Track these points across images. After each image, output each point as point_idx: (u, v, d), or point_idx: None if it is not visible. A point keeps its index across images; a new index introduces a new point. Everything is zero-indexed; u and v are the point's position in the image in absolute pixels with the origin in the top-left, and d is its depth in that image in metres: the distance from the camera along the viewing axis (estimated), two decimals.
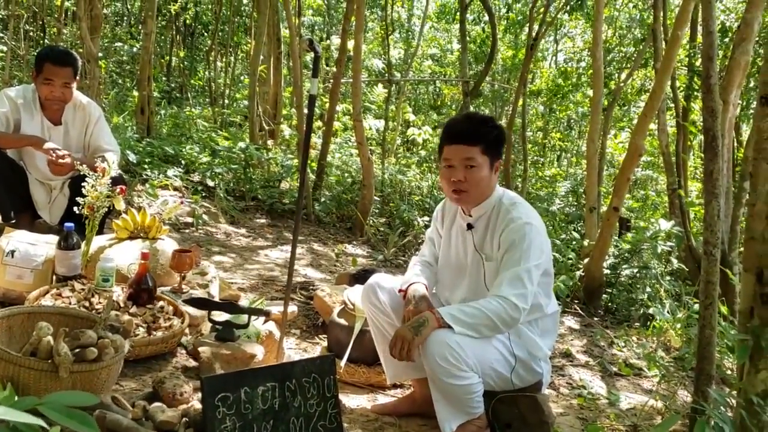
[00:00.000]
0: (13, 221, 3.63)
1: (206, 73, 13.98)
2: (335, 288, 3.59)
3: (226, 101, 12.14)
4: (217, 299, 3.17)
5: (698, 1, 5.12)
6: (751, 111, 8.64)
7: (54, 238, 3.07)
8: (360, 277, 3.71)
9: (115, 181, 3.30)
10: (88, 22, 6.01)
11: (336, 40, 9.73)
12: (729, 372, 3.59)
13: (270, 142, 8.57)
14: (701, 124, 8.59)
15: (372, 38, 14.16)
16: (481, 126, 2.41)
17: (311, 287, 4.16)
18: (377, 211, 7.30)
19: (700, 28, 7.22)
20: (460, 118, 2.52)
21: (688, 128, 6.65)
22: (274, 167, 7.47)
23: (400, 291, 2.55)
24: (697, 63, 6.76)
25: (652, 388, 3.55)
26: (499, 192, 2.49)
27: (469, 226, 2.51)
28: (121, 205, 3.24)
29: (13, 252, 2.94)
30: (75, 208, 3.16)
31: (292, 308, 3.36)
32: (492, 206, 2.46)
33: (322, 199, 7.04)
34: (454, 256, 2.60)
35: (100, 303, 2.73)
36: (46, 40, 10.90)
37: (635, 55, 9.12)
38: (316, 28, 15.00)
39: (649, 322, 4.72)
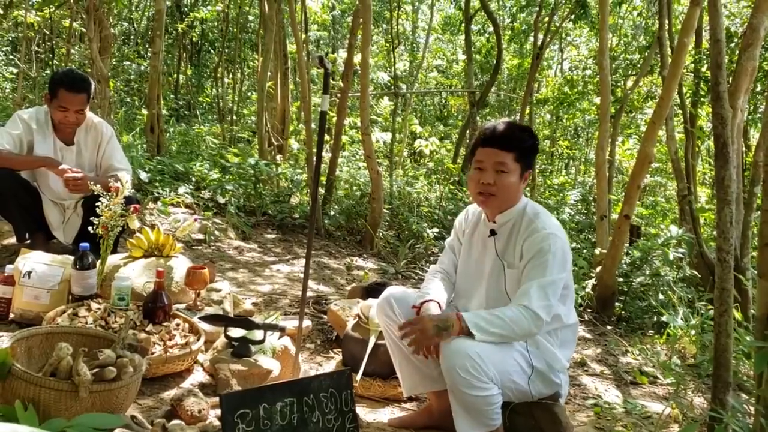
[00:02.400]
0: (28, 242, 3.67)
1: (214, 90, 14.08)
2: (348, 302, 3.60)
3: (234, 117, 12.21)
4: (231, 315, 3.18)
5: (704, 8, 5.14)
6: (759, 115, 8.64)
7: (69, 258, 3.10)
8: (372, 290, 3.71)
9: (129, 200, 3.34)
10: (97, 43, 6.08)
11: (342, 54, 9.78)
12: (746, 379, 3.57)
13: (279, 158, 8.61)
14: (709, 129, 8.58)
15: (377, 51, 14.23)
16: (519, 133, 2.45)
17: (324, 301, 4.17)
18: (386, 223, 7.32)
19: (705, 34, 7.24)
20: (498, 123, 2.53)
21: (696, 134, 6.64)
22: (284, 182, 7.50)
23: (414, 307, 2.56)
24: (704, 69, 6.77)
25: (668, 396, 3.54)
26: (524, 202, 2.52)
27: (492, 233, 2.52)
28: (135, 224, 3.27)
29: (29, 273, 2.98)
30: (89, 228, 3.19)
31: (306, 323, 3.37)
32: (516, 215, 2.48)
33: (332, 213, 7.06)
34: (473, 263, 2.61)
35: (116, 322, 2.76)
36: (55, 61, 11.02)
37: (641, 63, 9.13)
38: (321, 42, 15.10)
39: (662, 330, 4.70)
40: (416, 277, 5.67)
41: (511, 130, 2.45)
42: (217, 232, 5.52)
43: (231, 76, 14.35)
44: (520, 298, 2.29)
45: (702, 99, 6.95)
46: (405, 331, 2.28)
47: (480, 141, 2.47)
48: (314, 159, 6.38)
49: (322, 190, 7.21)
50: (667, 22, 6.47)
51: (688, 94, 6.72)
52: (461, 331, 2.22)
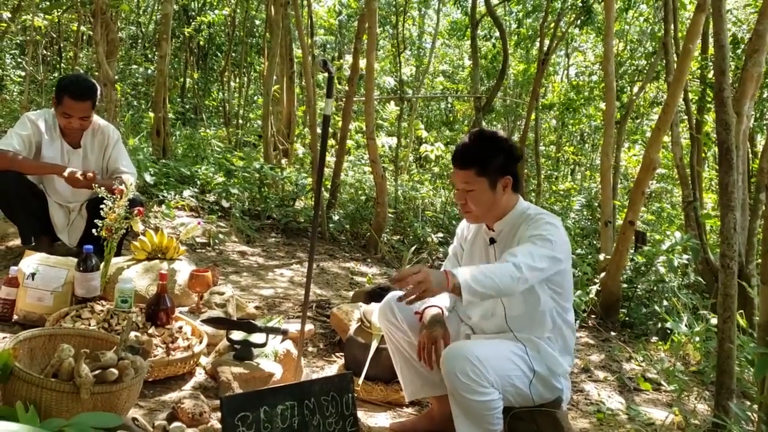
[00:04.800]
0: (33, 244, 3.68)
1: (220, 93, 14.13)
2: (351, 306, 3.60)
3: (240, 121, 12.25)
4: (234, 318, 3.19)
5: (709, 15, 5.13)
6: (765, 122, 8.61)
7: (73, 261, 3.11)
8: (376, 294, 3.70)
9: (133, 202, 3.35)
10: (104, 47, 6.11)
11: (348, 59, 9.81)
12: (749, 386, 3.55)
13: (284, 161, 8.63)
14: (714, 136, 8.56)
15: (383, 56, 14.26)
16: (477, 148, 2.41)
17: (327, 305, 4.17)
18: (391, 228, 7.32)
19: (711, 40, 7.23)
20: (462, 140, 2.51)
21: (701, 140, 6.63)
22: (289, 186, 7.52)
23: (416, 314, 2.55)
24: (709, 75, 6.76)
25: (671, 402, 3.52)
26: (523, 206, 2.48)
27: (492, 241, 2.51)
28: (139, 226, 3.28)
29: (33, 274, 2.99)
30: (93, 230, 3.20)
31: (309, 326, 3.37)
32: (515, 219, 2.45)
33: (336, 217, 7.07)
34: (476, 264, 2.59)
35: (119, 324, 2.76)
36: (62, 65, 11.08)
37: (647, 68, 9.12)
38: (327, 47, 15.14)
39: (666, 336, 4.69)
40: None
41: (469, 146, 2.43)
42: (221, 236, 5.53)
43: (237, 80, 14.40)
44: (506, 256, 2.22)
45: (708, 105, 6.93)
46: (404, 277, 2.08)
47: (452, 160, 2.49)
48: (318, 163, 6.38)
49: (326, 194, 7.21)
50: (672, 27, 6.47)
51: (694, 101, 6.71)
52: (451, 286, 2.09)
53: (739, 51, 7.17)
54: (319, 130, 7.61)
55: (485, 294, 2.13)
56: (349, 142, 9.35)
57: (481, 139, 2.44)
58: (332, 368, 3.31)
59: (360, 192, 8.28)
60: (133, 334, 2.33)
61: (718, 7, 2.45)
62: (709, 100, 6.86)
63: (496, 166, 2.39)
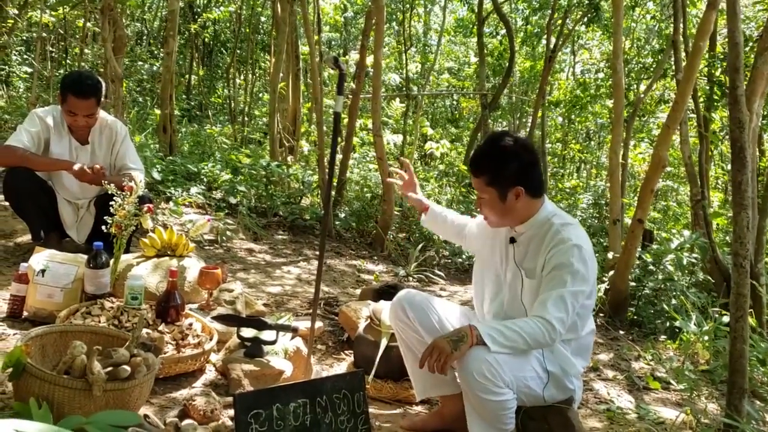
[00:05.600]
0: (42, 241, 3.68)
1: (226, 90, 14.13)
2: (360, 303, 3.59)
3: (246, 118, 12.24)
4: (243, 316, 3.18)
5: (720, 12, 5.10)
6: None
7: (83, 257, 3.11)
8: (384, 292, 3.70)
9: (142, 199, 3.34)
10: (111, 43, 6.11)
11: (354, 56, 9.80)
12: (759, 385, 3.54)
13: (290, 159, 8.62)
14: (722, 134, 8.51)
15: (389, 53, 14.24)
16: (485, 157, 2.39)
17: (335, 303, 4.17)
18: (397, 225, 7.31)
19: (719, 38, 7.20)
20: (479, 145, 2.51)
21: (709, 138, 6.60)
22: (295, 184, 7.51)
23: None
24: (717, 73, 6.72)
25: (681, 402, 3.51)
26: (548, 210, 2.43)
27: (512, 240, 2.49)
28: (148, 223, 3.28)
29: (43, 271, 2.99)
30: (103, 227, 3.20)
31: (318, 324, 3.37)
32: (538, 225, 2.41)
33: (342, 215, 7.06)
34: (494, 266, 2.57)
35: (129, 321, 2.76)
36: (68, 61, 11.08)
37: (653, 66, 9.09)
38: (333, 43, 15.13)
39: (675, 335, 4.67)
40: (427, 280, 5.66)
41: (481, 155, 2.41)
42: (228, 233, 5.53)
43: (243, 77, 14.39)
44: (538, 308, 2.24)
45: (716, 103, 6.90)
46: (425, 360, 2.19)
47: None
48: (326, 160, 6.36)
49: (332, 192, 7.20)
50: (681, 25, 6.44)
51: (702, 98, 6.68)
52: (475, 341, 2.17)
53: (747, 48, 7.13)
54: (325, 128, 7.61)
55: (512, 348, 2.19)
56: (354, 140, 9.34)
57: (494, 146, 2.40)
58: (341, 366, 3.31)
59: (366, 189, 8.27)
60: (144, 331, 2.32)
61: (733, 4, 2.44)
62: (717, 98, 6.83)
63: (506, 176, 2.35)
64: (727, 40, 2.51)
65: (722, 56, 6.76)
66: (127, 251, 3.50)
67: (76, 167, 3.46)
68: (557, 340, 2.24)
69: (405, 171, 2.94)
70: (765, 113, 7.69)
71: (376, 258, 6.27)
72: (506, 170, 2.35)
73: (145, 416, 2.18)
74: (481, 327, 2.21)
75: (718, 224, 7.44)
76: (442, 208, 2.94)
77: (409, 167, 2.94)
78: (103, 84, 3.71)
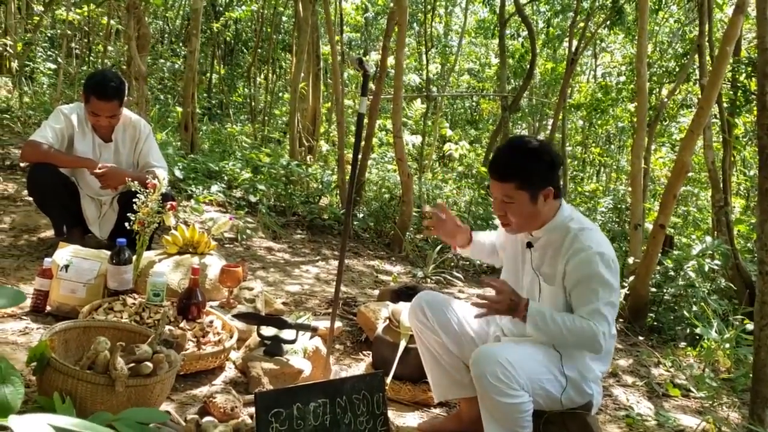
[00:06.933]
0: (64, 236, 3.72)
1: (246, 89, 14.20)
2: (378, 304, 3.60)
3: (266, 117, 12.29)
4: (263, 314, 3.20)
5: (746, 17, 5.04)
6: None
7: (106, 253, 3.14)
8: (402, 293, 3.70)
9: (165, 197, 3.37)
10: (135, 41, 6.16)
11: (374, 56, 9.81)
12: None
13: (309, 158, 8.65)
14: (745, 140, 8.37)
15: (409, 53, 14.24)
16: (518, 160, 2.32)
17: (353, 303, 4.17)
18: (415, 227, 7.30)
19: (744, 42, 7.12)
20: (500, 151, 2.43)
21: (732, 144, 6.53)
22: (314, 183, 7.53)
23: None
24: (742, 78, 6.65)
25: (701, 409, 3.47)
26: (566, 214, 2.40)
27: (529, 245, 2.46)
28: (171, 221, 3.30)
29: (66, 266, 3.02)
30: (126, 224, 3.22)
31: (338, 324, 3.38)
32: (555, 230, 2.37)
33: (360, 215, 7.07)
34: (514, 270, 2.55)
35: (150, 317, 2.78)
36: (92, 58, 11.19)
37: (677, 70, 9.00)
38: (353, 44, 15.15)
39: (695, 342, 4.63)
40: (445, 282, 5.65)
41: (509, 159, 2.34)
42: (248, 231, 5.56)
43: (263, 76, 14.45)
44: (593, 316, 2.20)
45: (739, 109, 6.83)
46: (486, 297, 2.23)
47: (488, 170, 2.43)
48: (346, 160, 6.35)
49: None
50: (707, 29, 6.37)
51: (725, 103, 6.61)
52: (521, 316, 2.21)
53: None
54: (345, 128, 7.62)
55: (547, 336, 2.21)
56: (373, 140, 9.35)
57: (522, 149, 2.35)
58: (359, 366, 3.31)
59: (384, 190, 8.27)
60: (167, 327, 2.34)
61: (763, 9, 2.41)
62: (740, 103, 6.75)
63: (537, 179, 2.31)
64: (751, 44, 2.48)
65: (747, 61, 6.69)
66: (149, 248, 3.53)
67: (98, 170, 3.50)
68: (600, 352, 2.23)
69: (442, 213, 2.69)
70: None
71: (394, 259, 6.27)
72: (537, 172, 2.31)
73: (166, 413, 2.19)
74: (533, 306, 2.21)
75: (739, 231, 7.35)
76: (476, 233, 2.78)
77: (445, 209, 2.69)
78: (126, 84, 3.74)
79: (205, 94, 13.33)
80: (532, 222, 2.39)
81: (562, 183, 2.61)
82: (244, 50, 15.14)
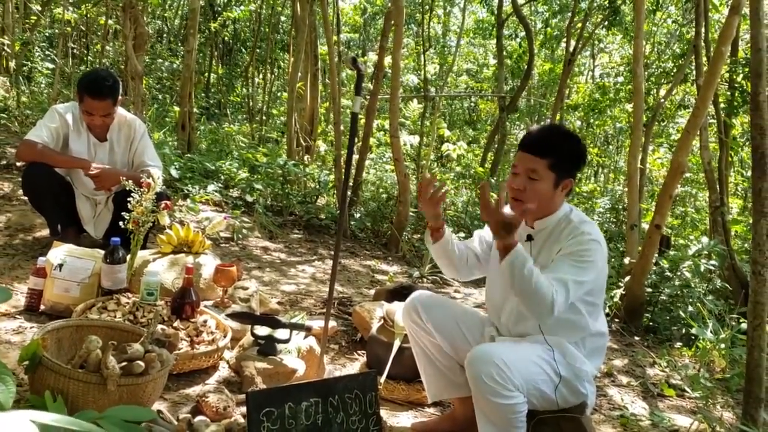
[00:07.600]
0: (59, 236, 3.72)
1: (244, 89, 14.19)
2: (373, 304, 3.60)
3: (264, 117, 12.28)
4: (257, 314, 3.19)
5: (743, 17, 5.05)
6: None
7: (100, 252, 3.14)
8: (397, 293, 3.70)
9: (160, 196, 3.37)
10: (132, 41, 6.16)
11: (372, 57, 9.81)
12: None
13: (306, 158, 8.64)
14: (742, 140, 8.39)
15: (407, 54, 14.23)
16: (558, 140, 2.34)
17: (348, 302, 4.17)
18: (412, 227, 7.31)
19: (741, 44, 7.13)
20: (540, 128, 2.44)
21: (729, 144, 6.53)
22: (311, 183, 7.53)
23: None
24: (739, 78, 6.65)
25: (695, 409, 3.48)
26: (566, 209, 2.42)
27: (529, 238, 2.45)
28: (165, 220, 3.30)
29: (61, 265, 3.02)
30: (120, 223, 3.22)
31: (331, 324, 3.37)
32: (556, 222, 2.39)
33: (357, 215, 7.07)
34: None
35: (144, 317, 2.78)
36: (90, 58, 11.18)
37: (674, 71, 9.01)
38: (351, 44, 15.15)
39: (690, 342, 4.63)
40: (441, 282, 5.65)
41: (550, 136, 2.36)
42: (244, 231, 5.55)
43: (261, 76, 14.44)
44: (557, 283, 2.15)
45: (736, 109, 6.83)
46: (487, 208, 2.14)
47: (519, 144, 2.41)
48: (342, 160, 6.36)
49: (348, 192, 7.20)
50: (703, 30, 6.38)
51: (722, 104, 6.62)
52: (508, 251, 2.13)
53: None
54: (342, 128, 7.62)
55: (516, 280, 2.12)
56: (371, 140, 9.35)
57: (566, 133, 2.40)
58: (354, 366, 3.31)
59: (381, 190, 8.27)
60: (159, 326, 2.34)
61: (756, 9, 2.41)
62: (738, 104, 6.76)
63: (569, 165, 2.34)
64: (749, 45, 2.48)
65: (744, 61, 6.70)
66: (143, 247, 3.52)
67: (92, 171, 3.49)
68: (547, 320, 2.19)
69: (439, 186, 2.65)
70: None
71: (390, 259, 6.27)
72: (571, 159, 2.35)
73: (159, 412, 2.19)
74: (521, 249, 2.15)
75: (736, 231, 7.36)
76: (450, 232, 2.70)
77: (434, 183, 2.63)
78: (120, 83, 3.73)
79: (203, 94, 13.32)
80: (544, 207, 2.38)
81: None
82: (243, 50, 15.13)
